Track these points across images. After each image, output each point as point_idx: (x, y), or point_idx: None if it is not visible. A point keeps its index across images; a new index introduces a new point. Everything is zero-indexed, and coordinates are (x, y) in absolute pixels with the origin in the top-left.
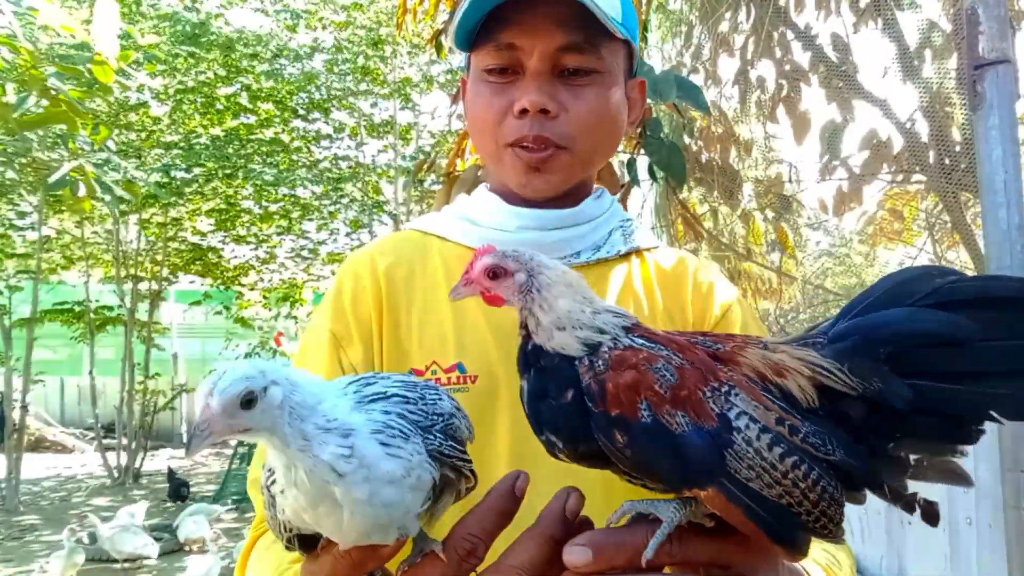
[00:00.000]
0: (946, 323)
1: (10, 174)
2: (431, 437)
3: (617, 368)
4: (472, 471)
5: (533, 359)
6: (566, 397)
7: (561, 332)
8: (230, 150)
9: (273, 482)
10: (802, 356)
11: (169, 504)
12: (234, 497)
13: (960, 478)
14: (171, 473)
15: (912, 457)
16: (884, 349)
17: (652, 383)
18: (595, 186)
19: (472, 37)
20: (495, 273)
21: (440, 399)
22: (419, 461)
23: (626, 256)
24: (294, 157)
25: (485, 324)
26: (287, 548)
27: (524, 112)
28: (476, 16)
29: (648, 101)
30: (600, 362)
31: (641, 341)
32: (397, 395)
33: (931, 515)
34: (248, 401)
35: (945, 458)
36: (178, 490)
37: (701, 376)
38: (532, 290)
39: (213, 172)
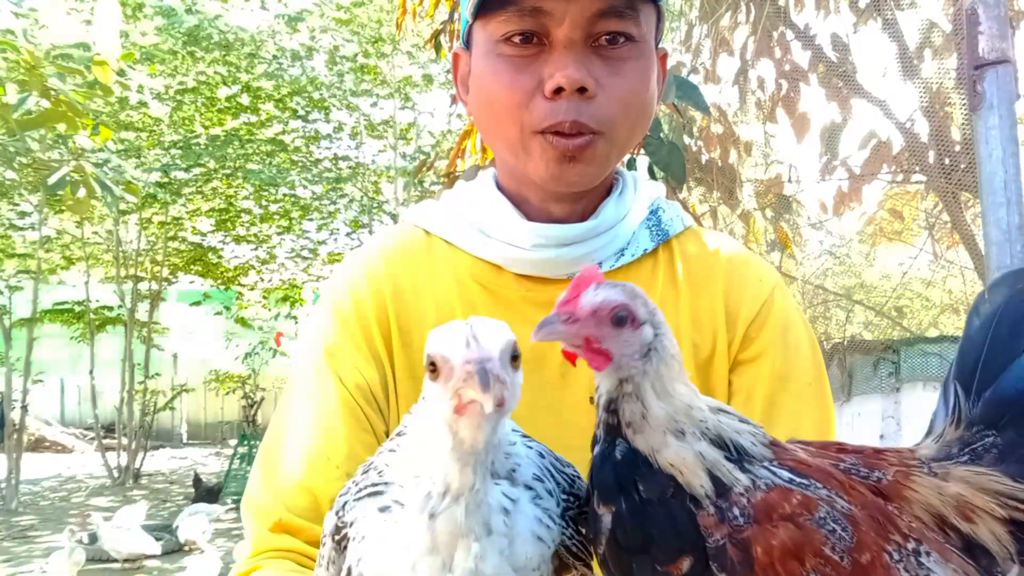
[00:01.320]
0: None
1: (10, 174)
2: (564, 525)
3: (766, 522)
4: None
5: (627, 477)
6: (681, 567)
7: (679, 441)
8: (229, 150)
9: (352, 521)
10: (985, 485)
11: (169, 504)
12: (234, 497)
13: None
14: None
15: None
16: None
17: (820, 545)
18: (615, 176)
19: (480, 2)
20: (621, 319)
21: (578, 476)
22: (551, 552)
23: (653, 252)
24: (294, 157)
25: None
26: None
27: (558, 92)
28: None
29: None
30: (737, 511)
31: (788, 474)
32: (543, 451)
33: None
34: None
35: None
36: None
37: (880, 530)
38: (652, 358)
39: (212, 172)
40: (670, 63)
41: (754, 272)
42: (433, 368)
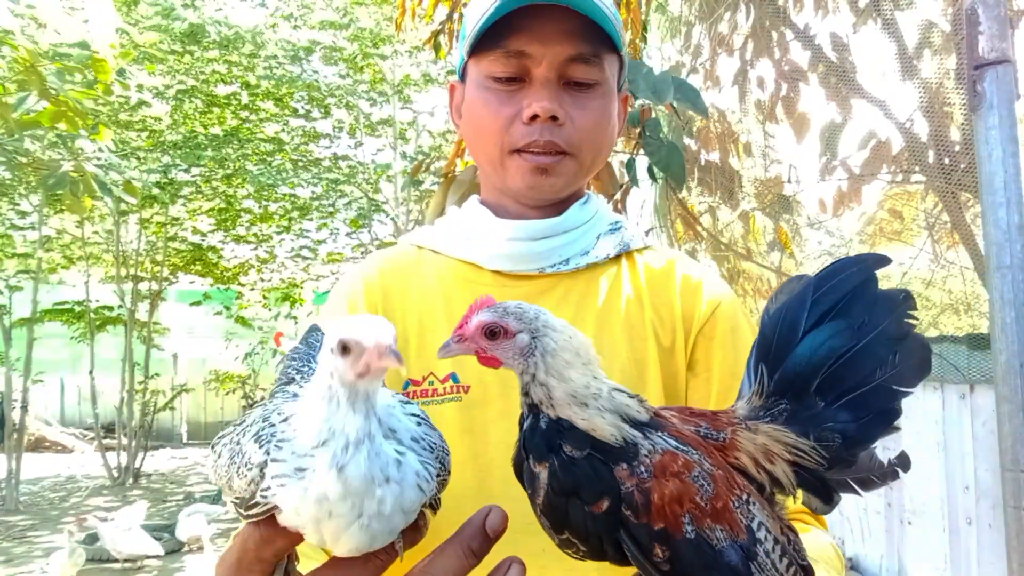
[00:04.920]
0: (833, 339)
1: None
2: (437, 486)
3: (661, 476)
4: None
5: (555, 439)
6: (601, 506)
7: (584, 409)
8: (229, 150)
9: (274, 460)
10: (779, 437)
11: (169, 504)
12: None
13: (895, 472)
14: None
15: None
16: (812, 388)
17: (694, 495)
18: (583, 191)
19: (474, 42)
20: (493, 332)
21: (442, 443)
22: (430, 493)
23: (616, 259)
24: (293, 156)
25: None
26: (242, 515)
27: (534, 118)
28: (492, 21)
29: (647, 101)
30: (643, 468)
31: (674, 442)
32: (416, 414)
33: (906, 461)
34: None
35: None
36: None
37: (728, 485)
38: (536, 354)
39: (212, 171)
40: (670, 63)
41: (708, 282)
42: (345, 349)
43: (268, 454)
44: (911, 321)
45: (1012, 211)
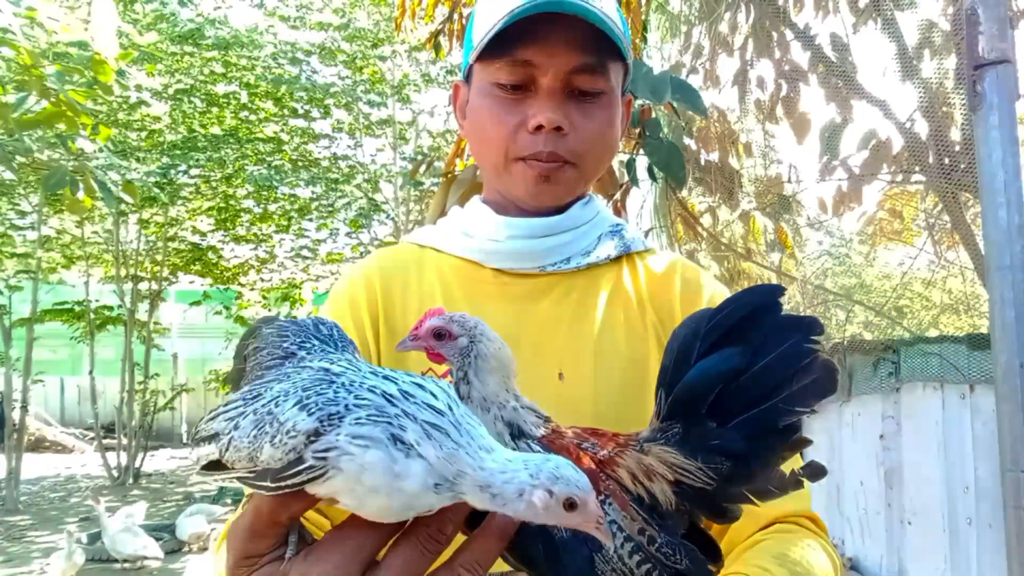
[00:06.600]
0: (722, 363)
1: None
2: None
3: None
4: None
5: None
6: None
7: (485, 413)
8: (228, 150)
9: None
10: (665, 458)
11: (169, 504)
12: (234, 497)
13: (799, 481)
14: None
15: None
16: (702, 410)
17: None
18: (584, 192)
19: (481, 48)
20: (440, 334)
21: None
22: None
23: (616, 261)
24: (292, 156)
25: None
26: (203, 469)
27: (539, 128)
28: (502, 30)
29: (647, 102)
30: None
31: (538, 447)
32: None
33: (817, 471)
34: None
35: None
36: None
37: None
38: (471, 356)
39: (211, 171)
40: (670, 63)
41: (707, 285)
42: (571, 505)
43: (320, 422)
44: (813, 346)
45: (1012, 211)
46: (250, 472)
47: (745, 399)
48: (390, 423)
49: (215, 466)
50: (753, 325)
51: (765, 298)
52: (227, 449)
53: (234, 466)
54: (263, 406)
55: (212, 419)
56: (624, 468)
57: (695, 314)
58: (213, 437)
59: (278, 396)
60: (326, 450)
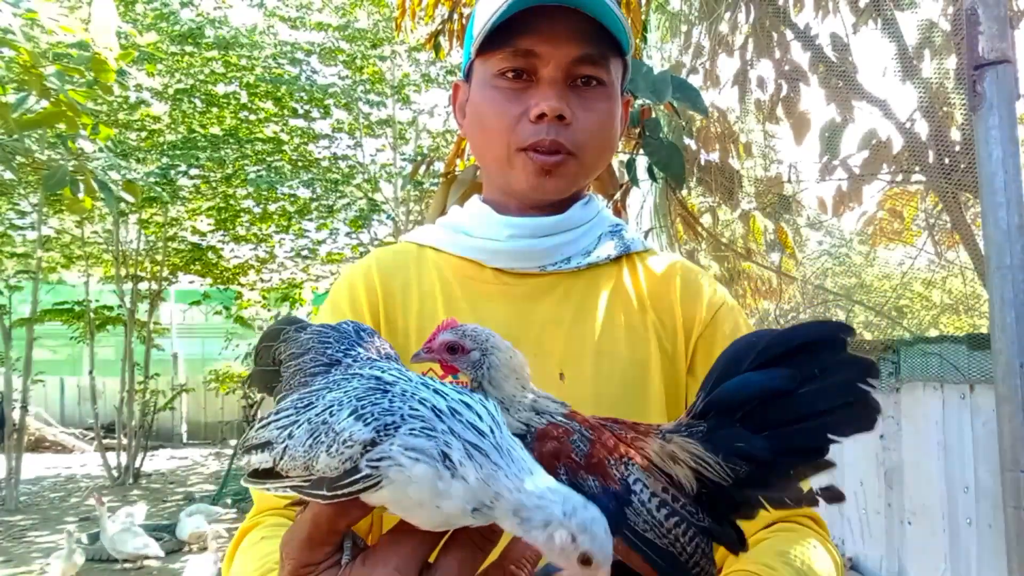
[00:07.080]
0: (768, 379)
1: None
2: None
3: (541, 439)
4: None
5: None
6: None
7: (505, 413)
8: (228, 151)
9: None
10: (688, 448)
11: (169, 504)
12: (234, 497)
13: (815, 499)
14: None
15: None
16: (736, 415)
17: (569, 452)
18: (584, 192)
19: (482, 41)
20: (453, 348)
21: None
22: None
23: (617, 260)
24: (292, 156)
25: None
26: (249, 479)
27: (541, 117)
28: (502, 20)
29: (647, 101)
30: (529, 436)
31: (563, 419)
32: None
33: (835, 495)
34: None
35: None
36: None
37: (607, 449)
38: (484, 368)
39: (211, 171)
40: (670, 63)
41: (707, 286)
42: (586, 561)
43: (377, 432)
44: (866, 387)
45: (1012, 211)
46: (305, 481)
47: (785, 415)
48: (438, 439)
49: (264, 474)
50: (811, 354)
51: (831, 333)
52: (282, 457)
53: (288, 474)
54: (317, 415)
55: (263, 427)
56: (648, 448)
57: (759, 331)
58: (265, 445)
59: (331, 405)
60: (379, 459)
